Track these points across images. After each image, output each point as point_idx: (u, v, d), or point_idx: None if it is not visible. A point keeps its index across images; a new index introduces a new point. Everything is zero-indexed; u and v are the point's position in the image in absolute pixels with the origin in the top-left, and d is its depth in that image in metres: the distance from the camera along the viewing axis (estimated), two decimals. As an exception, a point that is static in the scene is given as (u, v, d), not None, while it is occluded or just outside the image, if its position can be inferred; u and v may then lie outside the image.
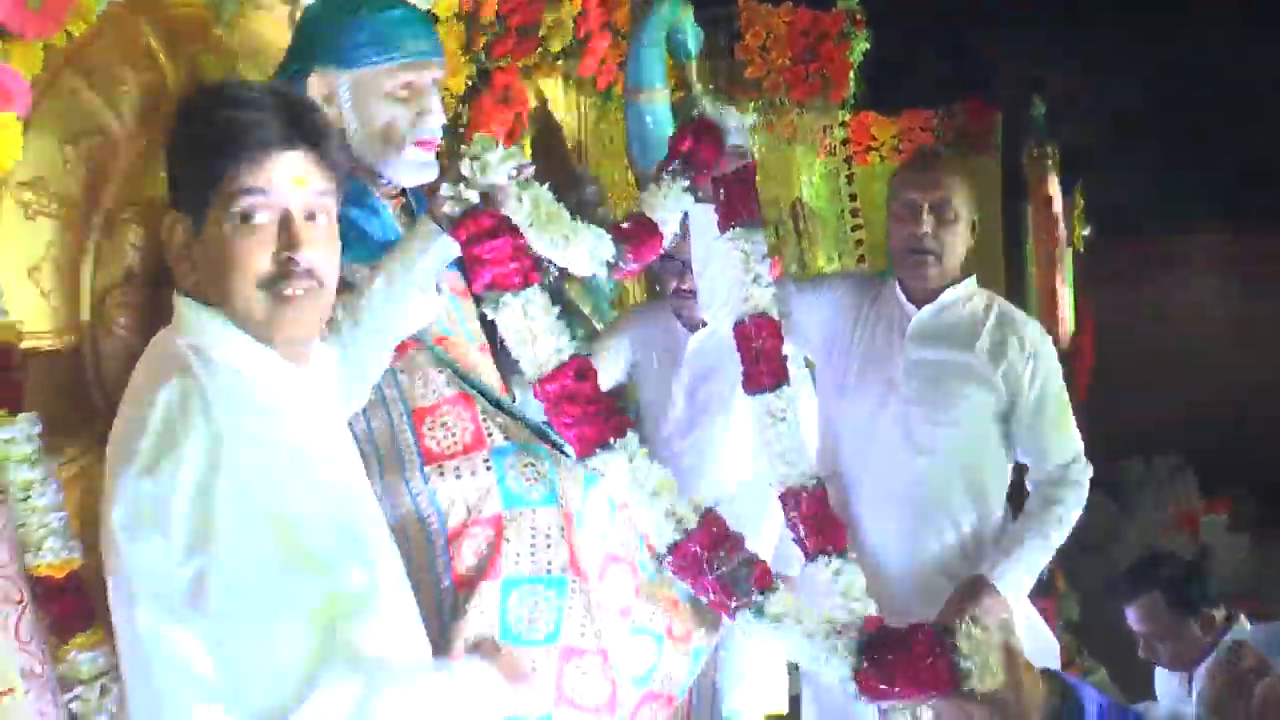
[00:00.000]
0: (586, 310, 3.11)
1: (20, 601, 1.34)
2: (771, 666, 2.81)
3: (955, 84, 8.68)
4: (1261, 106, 11.97)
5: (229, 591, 1.16)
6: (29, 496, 1.40)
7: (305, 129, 1.33)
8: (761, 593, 1.67)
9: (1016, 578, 2.48)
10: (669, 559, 1.72)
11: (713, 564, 1.68)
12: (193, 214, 1.29)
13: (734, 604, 1.69)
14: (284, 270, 1.30)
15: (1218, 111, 12.03)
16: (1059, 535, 2.55)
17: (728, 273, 2.32)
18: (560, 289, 3.10)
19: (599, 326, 3.29)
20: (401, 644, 1.38)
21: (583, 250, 1.78)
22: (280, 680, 1.15)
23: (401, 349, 1.82)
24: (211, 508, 1.17)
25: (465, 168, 1.66)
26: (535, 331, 1.68)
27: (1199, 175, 12.00)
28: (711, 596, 1.73)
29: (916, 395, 2.57)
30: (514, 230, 1.68)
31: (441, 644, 1.73)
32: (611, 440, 1.70)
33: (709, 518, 1.70)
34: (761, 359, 2.28)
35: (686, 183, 2.10)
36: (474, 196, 1.65)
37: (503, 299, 1.67)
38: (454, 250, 1.69)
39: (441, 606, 1.75)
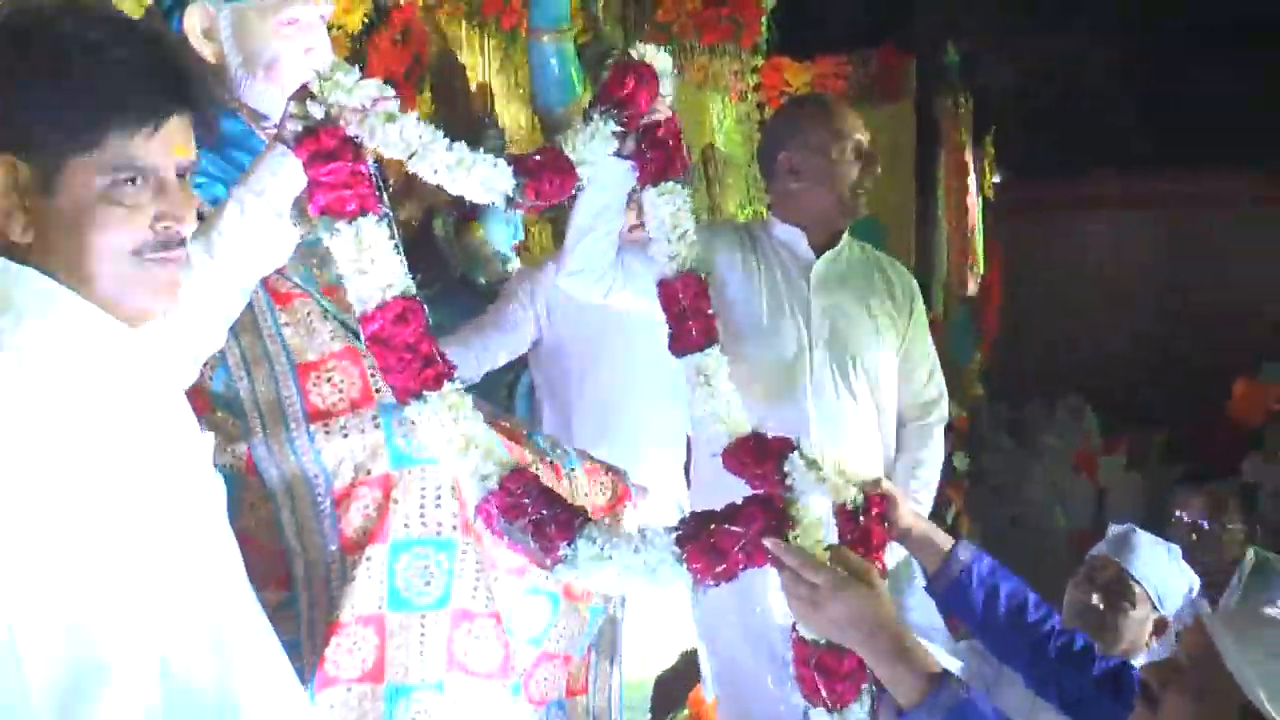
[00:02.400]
0: (488, 255, 3.04)
1: None
2: (665, 622, 2.82)
3: (870, 31, 8.68)
4: (1170, 53, 12.19)
5: None
6: None
7: (191, 94, 1.23)
8: (569, 543, 1.58)
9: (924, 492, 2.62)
10: (478, 520, 1.66)
11: (512, 523, 1.61)
12: (42, 164, 1.16)
13: (544, 560, 1.61)
14: (162, 238, 1.20)
15: (1128, 58, 12.24)
16: (938, 465, 2.69)
17: (610, 235, 2.26)
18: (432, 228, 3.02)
19: (508, 269, 3.23)
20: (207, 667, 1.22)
21: (475, 179, 1.69)
22: None
23: (286, 300, 1.74)
24: None
25: (313, 85, 1.57)
26: (365, 264, 1.59)
27: (1106, 120, 12.24)
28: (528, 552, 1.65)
29: (836, 340, 2.56)
30: (356, 154, 1.59)
31: (329, 609, 1.68)
32: (424, 392, 1.61)
33: (510, 476, 1.62)
34: (689, 317, 2.22)
35: (616, 127, 2.01)
36: (318, 113, 1.56)
37: (336, 225, 1.58)
38: (302, 172, 1.58)
39: (329, 571, 1.69)
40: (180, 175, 1.23)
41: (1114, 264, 12.22)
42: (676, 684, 2.94)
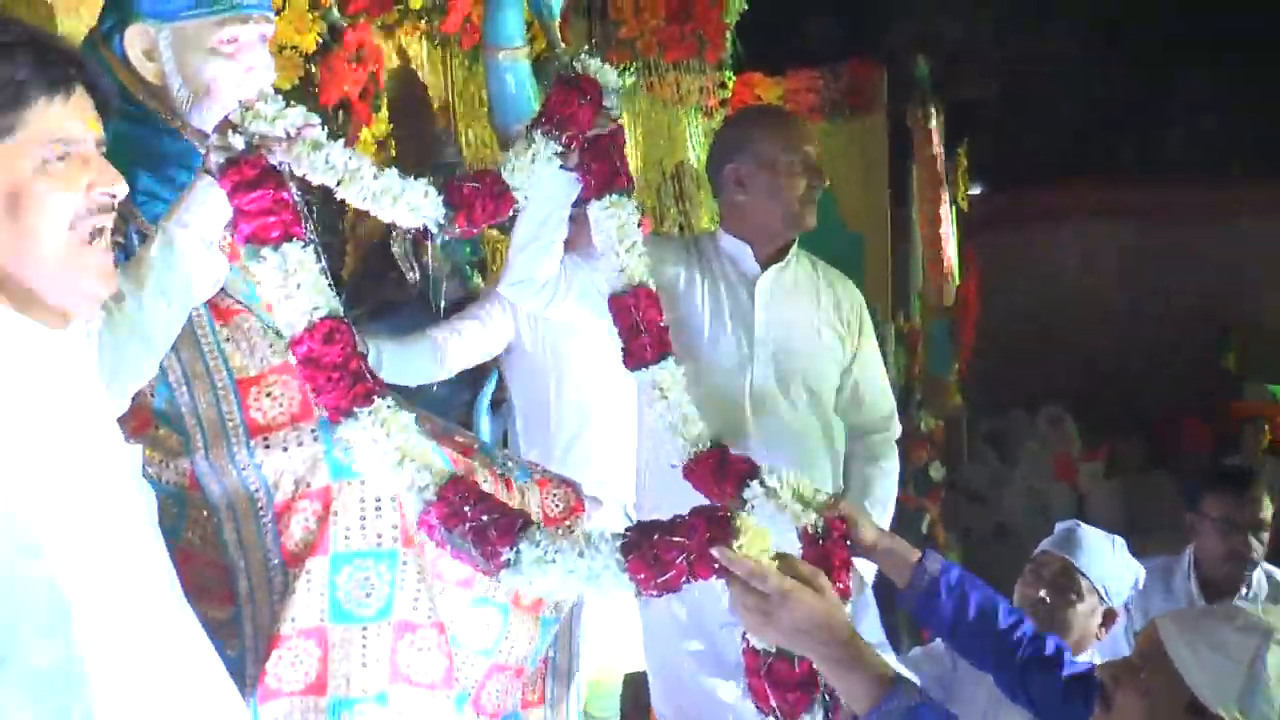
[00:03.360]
0: (446, 271, 3.05)
1: None
2: (625, 628, 2.81)
3: (841, 44, 8.73)
4: (1141, 63, 12.29)
5: None
6: None
7: (84, 71, 1.26)
8: (512, 547, 1.58)
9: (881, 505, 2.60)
10: (421, 532, 1.66)
11: (452, 531, 1.61)
12: None
13: (489, 566, 1.61)
14: (97, 203, 1.23)
15: (1099, 68, 12.35)
16: (893, 484, 2.67)
17: (552, 246, 2.28)
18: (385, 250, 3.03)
19: (475, 287, 3.24)
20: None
21: (402, 206, 1.71)
22: None
23: (227, 316, 1.75)
24: None
25: (235, 115, 1.59)
26: (290, 289, 1.61)
27: (1080, 130, 12.33)
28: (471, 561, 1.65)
29: (780, 352, 2.55)
30: (279, 181, 1.61)
31: (270, 624, 1.68)
32: (355, 409, 1.63)
33: (448, 485, 1.62)
34: (640, 332, 2.22)
35: (559, 146, 2.02)
36: (239, 144, 1.58)
37: (261, 252, 1.60)
38: (227, 203, 1.61)
39: (272, 585, 1.69)
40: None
41: (1089, 273, 12.29)
42: (646, 686, 2.93)
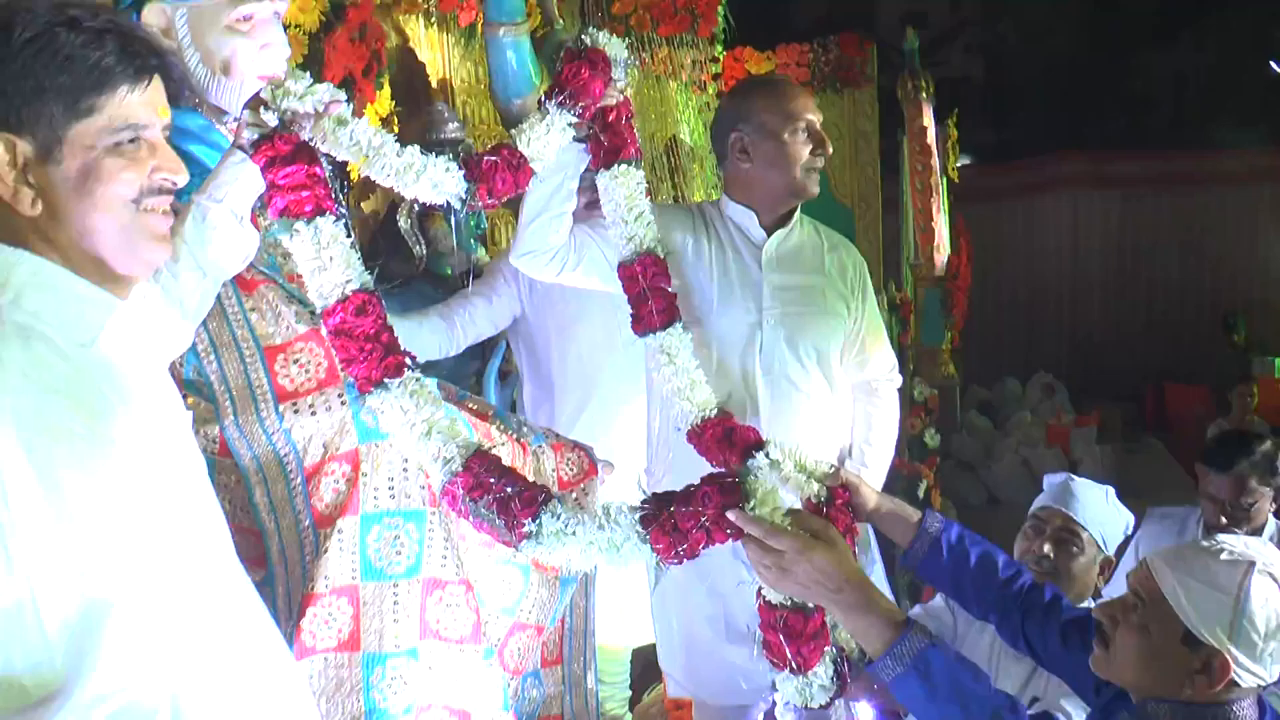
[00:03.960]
0: (452, 246, 3.09)
1: None
2: (638, 600, 2.87)
3: (831, 19, 8.76)
4: (1128, 37, 12.33)
5: None
6: None
7: (163, 60, 1.32)
8: (533, 519, 1.65)
9: (877, 471, 2.66)
10: (443, 501, 1.72)
11: (477, 502, 1.66)
12: (43, 137, 1.24)
13: (510, 537, 1.67)
14: (159, 185, 1.30)
15: (1088, 41, 12.37)
16: (892, 437, 2.74)
17: (562, 216, 2.33)
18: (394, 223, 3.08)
19: (477, 260, 3.28)
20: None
21: (425, 182, 1.75)
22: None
23: (251, 286, 1.79)
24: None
25: (265, 93, 1.63)
26: (324, 261, 1.66)
27: (1070, 103, 12.38)
28: (493, 531, 1.71)
29: (787, 315, 2.60)
30: (311, 157, 1.65)
31: (304, 582, 1.73)
32: (385, 380, 1.68)
33: (473, 458, 1.68)
34: (649, 298, 2.27)
35: (573, 117, 2.05)
36: (272, 120, 1.62)
37: (295, 226, 1.65)
38: (260, 177, 1.65)
39: (303, 546, 1.74)
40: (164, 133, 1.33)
41: (1080, 243, 12.35)
42: (655, 658, 2.99)
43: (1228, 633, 1.54)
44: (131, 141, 1.28)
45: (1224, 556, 1.59)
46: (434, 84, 3.80)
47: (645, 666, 3.34)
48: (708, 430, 2.24)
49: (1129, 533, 2.51)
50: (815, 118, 2.59)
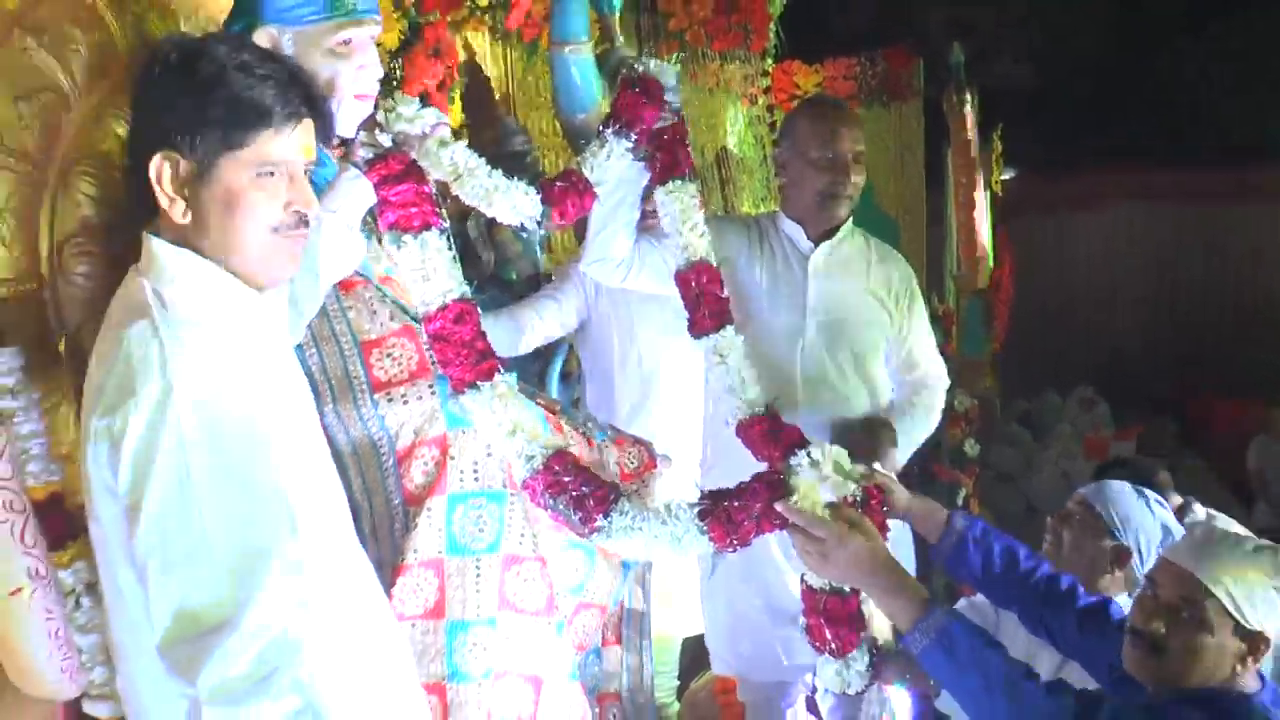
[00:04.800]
0: (518, 251, 3.26)
1: (23, 510, 1.49)
2: (688, 591, 3.02)
3: (878, 32, 8.85)
4: (1169, 51, 12.29)
5: (151, 536, 1.32)
6: (13, 424, 1.53)
7: (315, 105, 1.53)
8: (604, 515, 1.86)
9: (906, 432, 2.78)
10: (525, 492, 1.91)
11: (555, 498, 1.87)
12: (200, 159, 1.44)
13: (583, 529, 1.89)
14: (292, 219, 1.50)
15: (1129, 55, 12.35)
16: (928, 422, 2.87)
17: (627, 227, 2.50)
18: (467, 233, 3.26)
19: (542, 268, 3.46)
20: (334, 574, 1.53)
21: (506, 205, 1.93)
22: (192, 623, 1.31)
23: (349, 287, 1.96)
24: (151, 458, 1.32)
25: (380, 116, 1.80)
26: (428, 272, 1.84)
27: (1113, 117, 12.35)
28: (568, 523, 1.92)
29: (829, 321, 2.76)
30: (420, 176, 1.84)
31: (395, 555, 1.90)
32: (478, 382, 1.87)
33: (554, 457, 1.88)
34: (703, 303, 2.44)
35: (629, 143, 2.24)
36: (386, 141, 1.80)
37: (404, 238, 1.84)
38: (371, 192, 1.83)
39: (394, 521, 1.91)
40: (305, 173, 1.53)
41: (1123, 257, 12.34)
42: (702, 649, 3.14)
43: (1275, 619, 1.68)
44: (271, 175, 1.47)
45: (1250, 546, 1.72)
46: (498, 97, 3.97)
47: (693, 658, 3.48)
48: (755, 426, 2.40)
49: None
50: (847, 146, 2.74)
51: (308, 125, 1.52)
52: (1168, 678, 1.75)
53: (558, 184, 2.11)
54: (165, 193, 1.45)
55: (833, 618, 2.11)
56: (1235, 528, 2.03)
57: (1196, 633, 1.71)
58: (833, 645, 2.12)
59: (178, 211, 1.45)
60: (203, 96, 1.44)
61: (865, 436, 2.67)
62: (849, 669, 2.12)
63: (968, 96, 7.95)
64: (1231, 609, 1.68)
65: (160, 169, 1.45)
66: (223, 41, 1.53)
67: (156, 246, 1.47)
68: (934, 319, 7.02)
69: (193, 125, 1.44)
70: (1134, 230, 12.21)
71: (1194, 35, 11.54)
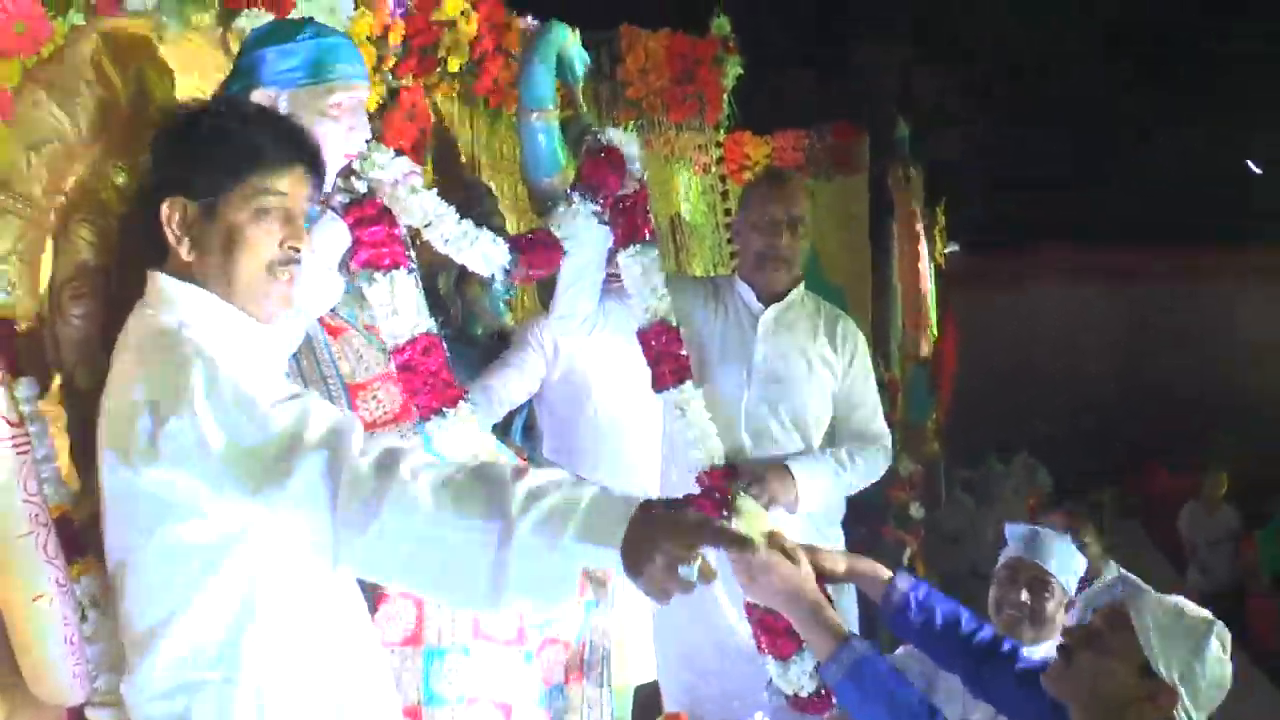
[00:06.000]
0: (484, 308, 3.37)
1: (46, 524, 1.59)
2: (640, 637, 3.12)
3: (826, 106, 9.13)
4: (1110, 134, 12.74)
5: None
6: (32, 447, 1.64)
7: (308, 151, 1.67)
8: None
9: (806, 477, 2.84)
10: None
11: None
12: (204, 200, 1.59)
13: None
14: (286, 256, 1.64)
15: (1071, 136, 12.78)
16: (852, 474, 2.93)
17: (592, 285, 2.64)
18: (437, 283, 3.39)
19: (505, 322, 3.57)
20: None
21: (477, 252, 2.07)
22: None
23: (337, 332, 2.08)
24: (220, 395, 1.46)
25: (356, 164, 1.95)
26: (397, 307, 1.97)
27: (1053, 195, 12.76)
28: None
29: (772, 380, 2.91)
30: (392, 219, 1.99)
31: (375, 588, 1.99)
32: (443, 409, 2.00)
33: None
34: (663, 360, 2.60)
35: (595, 207, 2.40)
36: (361, 187, 1.95)
37: (375, 275, 1.96)
38: (347, 234, 1.97)
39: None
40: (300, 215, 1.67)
41: (1062, 331, 12.70)
42: (656, 695, 3.23)
43: (1181, 673, 1.76)
44: (268, 213, 1.60)
45: (1191, 609, 1.83)
46: (464, 160, 4.11)
47: (645, 707, 3.55)
48: (714, 477, 2.55)
49: (1084, 574, 2.75)
50: (780, 212, 2.88)
51: (301, 175, 1.66)
52: (1068, 690, 1.86)
53: (526, 236, 2.26)
54: (173, 232, 1.60)
55: (768, 628, 2.27)
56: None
57: (1104, 654, 1.81)
58: (772, 651, 2.33)
59: (183, 250, 1.60)
60: (206, 143, 1.60)
61: (758, 483, 2.74)
62: (790, 671, 2.33)
63: (913, 170, 8.22)
64: (1143, 642, 1.78)
65: (170, 213, 1.61)
66: (224, 100, 1.75)
67: (164, 281, 1.61)
68: (880, 386, 7.23)
69: (197, 169, 1.60)
70: (1074, 307, 12.58)
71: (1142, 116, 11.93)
